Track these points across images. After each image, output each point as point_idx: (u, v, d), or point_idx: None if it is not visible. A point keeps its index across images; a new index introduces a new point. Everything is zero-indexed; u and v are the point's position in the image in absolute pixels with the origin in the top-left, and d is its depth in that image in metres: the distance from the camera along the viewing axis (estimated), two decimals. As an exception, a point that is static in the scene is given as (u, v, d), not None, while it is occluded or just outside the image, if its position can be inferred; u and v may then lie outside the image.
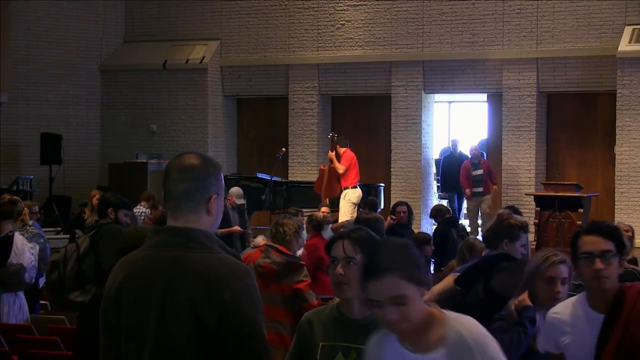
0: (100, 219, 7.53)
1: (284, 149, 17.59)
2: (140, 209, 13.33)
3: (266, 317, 7.47)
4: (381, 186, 16.89)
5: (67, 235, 11.84)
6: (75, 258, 7.18)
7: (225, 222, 13.08)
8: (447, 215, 12.36)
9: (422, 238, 9.37)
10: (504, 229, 5.57)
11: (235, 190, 13.45)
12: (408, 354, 2.99)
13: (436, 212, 12.60)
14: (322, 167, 15.81)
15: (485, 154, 18.11)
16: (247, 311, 2.94)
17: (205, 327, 2.91)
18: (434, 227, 13.18)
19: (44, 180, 18.58)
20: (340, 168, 15.03)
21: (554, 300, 4.36)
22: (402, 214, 12.03)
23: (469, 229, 15.76)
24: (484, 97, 18.64)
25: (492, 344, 3.00)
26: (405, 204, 12.56)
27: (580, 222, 14.32)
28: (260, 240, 8.78)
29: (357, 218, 8.08)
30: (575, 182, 15.05)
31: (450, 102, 20.77)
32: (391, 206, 13.26)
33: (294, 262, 6.96)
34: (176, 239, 3.03)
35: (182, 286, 2.95)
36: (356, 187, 15.09)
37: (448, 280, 5.86)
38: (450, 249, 10.14)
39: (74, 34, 20.12)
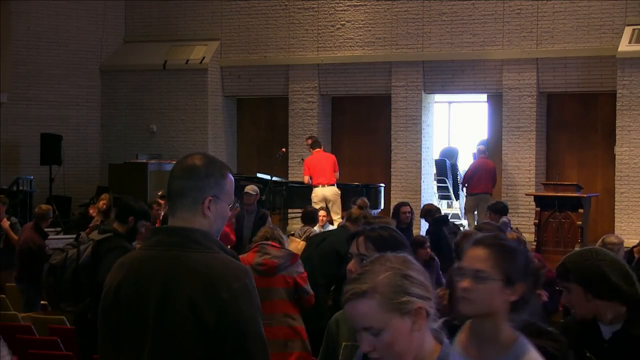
0: (113, 222, 7.24)
1: (283, 149, 17.59)
2: None
3: (279, 312, 7.62)
4: (381, 186, 16.90)
5: (67, 236, 11.83)
6: (73, 267, 7.02)
7: (237, 229, 12.88)
8: (437, 215, 12.28)
9: (418, 241, 9.15)
10: None
11: (248, 187, 13.10)
12: None
13: (426, 212, 12.43)
14: None
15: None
16: (246, 311, 2.93)
17: (204, 326, 2.91)
18: (427, 228, 13.04)
19: (44, 180, 18.57)
20: (305, 179, 15.74)
21: None
22: (407, 214, 11.85)
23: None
24: (484, 97, 18.66)
25: None
26: (408, 204, 12.40)
27: (580, 223, 14.33)
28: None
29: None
30: (575, 183, 15.05)
31: (450, 103, 20.79)
32: (392, 206, 13.25)
33: (293, 254, 7.39)
34: (175, 239, 3.03)
35: (181, 286, 2.95)
36: (317, 187, 15.56)
37: None
38: (444, 248, 10.06)
39: (74, 34, 20.13)
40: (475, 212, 16.58)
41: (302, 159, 17.21)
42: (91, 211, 12.40)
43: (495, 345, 2.89)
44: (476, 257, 2.96)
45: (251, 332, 2.95)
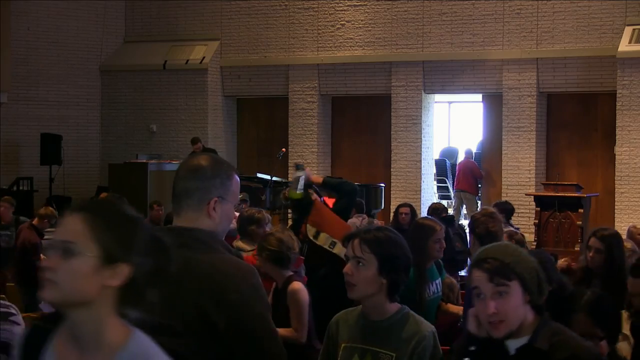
0: None
1: (283, 149, 17.59)
2: None
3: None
4: (381, 186, 16.90)
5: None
6: None
7: None
8: (444, 215, 12.21)
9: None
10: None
11: None
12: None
13: (433, 211, 12.34)
14: None
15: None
16: (256, 311, 2.92)
17: (213, 328, 2.88)
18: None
19: (44, 180, 18.57)
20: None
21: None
22: (403, 216, 11.66)
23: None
24: (480, 97, 18.64)
25: None
26: (409, 205, 12.22)
27: (580, 223, 14.33)
28: None
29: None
30: (575, 183, 15.04)
31: (450, 103, 20.80)
32: (392, 206, 13.24)
33: (298, 257, 7.35)
34: (181, 239, 3.01)
35: (188, 287, 2.93)
36: None
37: None
38: (448, 248, 10.01)
39: (74, 34, 20.13)
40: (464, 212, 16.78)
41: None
42: None
43: (100, 346, 2.19)
44: (68, 224, 2.21)
45: (265, 331, 2.95)
